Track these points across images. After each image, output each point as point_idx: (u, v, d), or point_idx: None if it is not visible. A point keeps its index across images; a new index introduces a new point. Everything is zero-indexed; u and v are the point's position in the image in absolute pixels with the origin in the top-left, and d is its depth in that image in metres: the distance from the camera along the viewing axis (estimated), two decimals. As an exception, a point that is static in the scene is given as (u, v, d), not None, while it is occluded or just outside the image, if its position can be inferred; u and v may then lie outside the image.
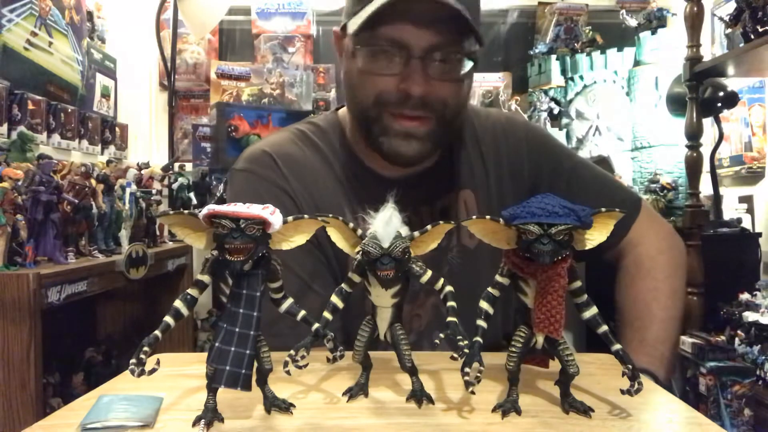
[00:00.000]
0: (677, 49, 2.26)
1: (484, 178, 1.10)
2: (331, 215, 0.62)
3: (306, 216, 0.60)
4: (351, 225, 0.62)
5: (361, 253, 0.59)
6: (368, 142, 1.00)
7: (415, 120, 0.94)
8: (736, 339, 1.60)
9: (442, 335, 0.60)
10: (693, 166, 1.96)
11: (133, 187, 1.72)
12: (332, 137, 1.09)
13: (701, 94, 1.94)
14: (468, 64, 0.96)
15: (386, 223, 0.58)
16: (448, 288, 0.63)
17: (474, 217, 0.61)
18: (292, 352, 0.60)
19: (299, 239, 0.61)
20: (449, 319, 0.60)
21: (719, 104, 2.00)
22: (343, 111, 1.12)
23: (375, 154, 1.01)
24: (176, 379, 0.73)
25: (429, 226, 0.62)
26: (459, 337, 0.59)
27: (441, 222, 0.63)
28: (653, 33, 2.37)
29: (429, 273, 0.63)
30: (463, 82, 0.97)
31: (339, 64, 1.05)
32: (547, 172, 1.11)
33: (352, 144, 1.07)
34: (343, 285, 0.64)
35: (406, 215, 0.61)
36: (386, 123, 0.95)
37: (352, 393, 0.67)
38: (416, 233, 0.62)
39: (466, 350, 0.58)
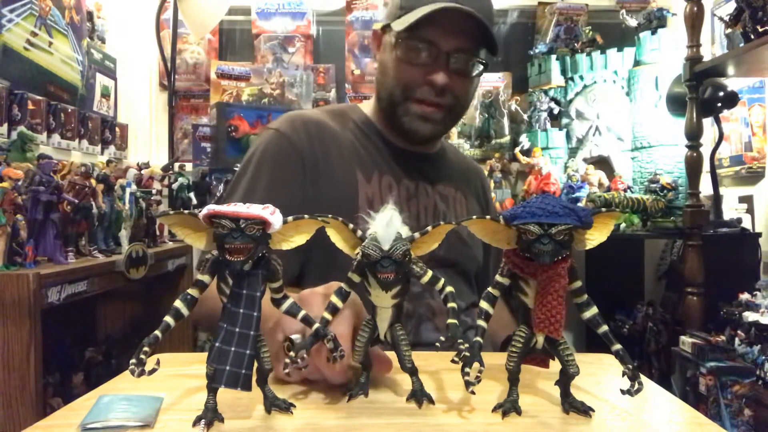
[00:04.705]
0: (677, 49, 2.26)
1: (465, 197, 1.29)
2: (330, 216, 0.62)
3: (306, 216, 0.60)
4: (351, 226, 0.62)
5: (361, 255, 0.59)
6: (391, 121, 1.19)
7: (433, 106, 1.14)
8: (736, 339, 1.60)
9: (442, 338, 0.60)
10: (693, 166, 1.96)
11: (133, 187, 1.72)
12: (359, 115, 1.27)
13: (701, 94, 1.94)
14: (479, 67, 1.16)
15: (387, 225, 0.58)
16: (449, 289, 0.62)
17: (474, 216, 0.62)
18: (292, 353, 0.60)
19: (299, 239, 0.61)
20: (449, 320, 0.60)
21: (719, 104, 2.00)
22: (364, 103, 1.32)
23: (395, 133, 1.20)
24: (176, 379, 0.73)
25: (429, 227, 0.61)
26: (459, 340, 0.59)
27: (442, 222, 0.62)
28: (653, 33, 2.37)
29: (429, 273, 0.63)
30: (473, 81, 1.18)
31: (374, 57, 1.36)
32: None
33: (375, 122, 1.25)
34: (342, 285, 0.64)
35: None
36: (409, 106, 1.14)
37: (352, 393, 0.67)
38: (416, 234, 0.61)
39: (467, 353, 0.58)
